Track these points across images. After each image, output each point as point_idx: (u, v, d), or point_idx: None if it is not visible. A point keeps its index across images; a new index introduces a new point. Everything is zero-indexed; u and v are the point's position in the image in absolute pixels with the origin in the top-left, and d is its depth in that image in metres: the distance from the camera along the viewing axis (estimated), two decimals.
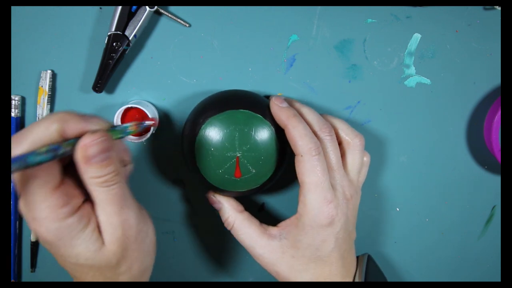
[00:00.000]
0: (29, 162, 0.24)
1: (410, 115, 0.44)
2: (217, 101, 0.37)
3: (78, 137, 0.27)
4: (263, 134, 0.35)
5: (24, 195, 0.28)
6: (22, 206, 0.29)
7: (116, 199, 0.29)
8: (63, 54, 0.39)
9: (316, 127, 0.36)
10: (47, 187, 0.27)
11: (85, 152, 0.27)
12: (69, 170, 0.29)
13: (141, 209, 0.32)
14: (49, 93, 0.39)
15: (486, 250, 0.49)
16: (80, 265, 0.29)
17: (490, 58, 0.43)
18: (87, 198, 0.30)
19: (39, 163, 0.25)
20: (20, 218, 0.43)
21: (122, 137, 0.30)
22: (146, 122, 0.34)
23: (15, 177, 0.27)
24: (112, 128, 0.29)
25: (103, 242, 0.29)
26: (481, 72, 0.44)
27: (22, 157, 0.24)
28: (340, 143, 0.38)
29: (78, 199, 0.29)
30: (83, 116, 0.28)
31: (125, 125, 0.31)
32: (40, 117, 0.40)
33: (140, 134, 0.39)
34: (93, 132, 0.27)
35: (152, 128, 0.38)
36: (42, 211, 0.27)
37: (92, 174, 0.28)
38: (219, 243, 0.45)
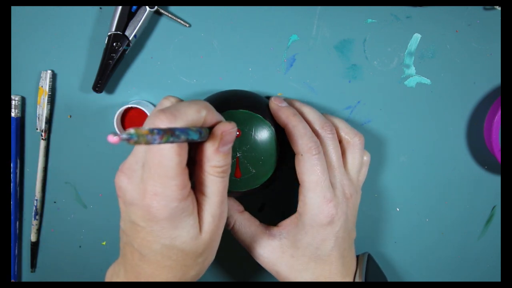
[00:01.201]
0: (189, 136, 0.26)
1: (410, 115, 0.44)
2: (217, 101, 0.37)
3: (209, 128, 0.29)
4: (263, 134, 0.35)
5: (142, 170, 0.29)
6: (131, 182, 0.29)
7: (223, 191, 0.31)
8: (63, 54, 0.39)
9: (318, 126, 0.36)
10: (180, 167, 0.28)
11: (223, 137, 0.29)
12: None
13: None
14: (49, 93, 0.39)
15: (486, 250, 0.49)
16: (172, 247, 0.30)
17: (490, 58, 0.43)
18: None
19: (193, 140, 0.27)
20: (20, 218, 0.43)
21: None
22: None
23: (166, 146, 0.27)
24: None
25: (200, 230, 0.31)
26: (481, 72, 0.44)
27: (186, 130, 0.26)
28: (340, 142, 0.38)
29: (189, 184, 0.30)
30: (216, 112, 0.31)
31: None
32: (40, 117, 0.40)
33: None
34: (228, 123, 0.30)
35: None
36: (168, 188, 0.28)
37: (216, 163, 0.30)
38: (219, 243, 0.45)
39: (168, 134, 0.23)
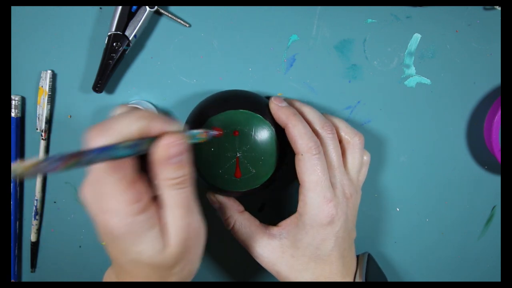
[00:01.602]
0: (114, 155, 0.24)
1: (410, 115, 0.44)
2: (217, 101, 0.37)
3: (155, 137, 0.27)
4: (263, 134, 0.35)
5: (97, 186, 0.27)
6: (91, 197, 0.28)
7: (185, 202, 0.29)
8: (63, 54, 0.39)
9: (318, 126, 0.36)
10: (126, 181, 0.27)
11: (166, 152, 0.27)
12: (140, 165, 0.29)
13: (201, 212, 0.32)
14: (49, 93, 0.39)
15: (486, 250, 0.49)
16: (139, 262, 0.29)
17: (490, 58, 0.43)
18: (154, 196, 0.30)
19: (123, 156, 0.25)
20: (20, 218, 0.43)
21: (192, 143, 0.30)
22: (212, 132, 0.33)
23: (99, 165, 0.27)
24: (186, 132, 0.29)
25: (166, 243, 0.29)
26: (481, 72, 0.44)
27: (109, 148, 0.24)
28: (340, 142, 0.38)
29: (147, 197, 0.29)
30: (164, 117, 0.28)
31: (196, 131, 0.31)
32: (40, 117, 0.40)
33: None
34: (174, 133, 0.28)
35: None
36: (119, 204, 0.27)
37: (167, 176, 0.28)
38: (219, 243, 0.45)
39: (74, 160, 0.22)
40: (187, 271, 0.32)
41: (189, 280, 0.33)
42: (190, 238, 0.30)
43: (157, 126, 0.27)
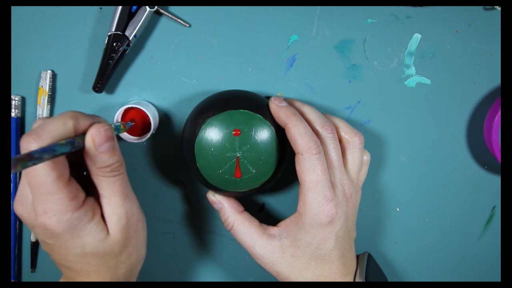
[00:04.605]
0: (56, 152, 0.26)
1: (410, 115, 0.44)
2: (217, 101, 0.37)
3: (85, 133, 0.30)
4: (263, 134, 0.35)
5: (35, 190, 0.29)
6: (25, 208, 0.31)
7: (121, 189, 0.31)
8: (63, 54, 0.39)
9: (318, 125, 0.36)
10: (60, 181, 0.29)
11: (94, 139, 0.29)
12: (71, 169, 0.31)
13: (137, 200, 0.34)
14: (49, 93, 0.39)
15: (486, 250, 0.49)
16: (85, 255, 0.31)
17: (490, 58, 0.43)
18: (88, 194, 0.32)
19: (62, 154, 0.27)
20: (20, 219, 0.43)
21: (116, 133, 0.33)
22: (130, 123, 0.36)
23: (29, 171, 0.28)
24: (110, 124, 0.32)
25: (108, 232, 0.31)
26: (481, 72, 0.44)
27: (51, 147, 0.26)
28: (339, 142, 0.38)
29: (82, 194, 0.31)
30: (90, 115, 0.31)
31: (117, 123, 0.35)
32: (40, 117, 0.40)
33: (140, 134, 0.39)
34: (99, 123, 0.30)
35: (152, 128, 0.38)
36: (55, 203, 0.29)
37: (100, 164, 0.30)
38: (219, 243, 0.45)
39: (24, 161, 0.24)
40: (134, 258, 0.34)
41: (138, 269, 0.35)
42: (131, 224, 0.32)
43: (84, 122, 0.30)
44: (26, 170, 0.28)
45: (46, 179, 0.28)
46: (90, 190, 0.32)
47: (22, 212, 0.31)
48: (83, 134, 0.30)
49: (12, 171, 0.23)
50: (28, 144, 0.27)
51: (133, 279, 0.36)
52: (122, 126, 0.35)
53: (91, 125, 0.30)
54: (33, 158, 0.25)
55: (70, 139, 0.28)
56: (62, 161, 0.29)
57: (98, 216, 0.31)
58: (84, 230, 0.30)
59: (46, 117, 0.35)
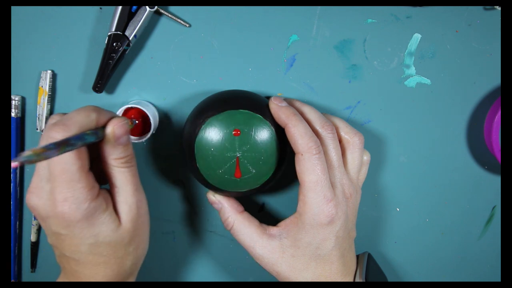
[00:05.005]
0: (86, 140, 0.29)
1: (410, 115, 0.44)
2: (217, 101, 0.37)
3: (104, 126, 0.32)
4: (263, 134, 0.35)
5: (58, 177, 0.30)
6: (41, 198, 0.32)
7: (134, 179, 0.34)
8: (63, 54, 0.39)
9: (318, 125, 0.36)
10: (83, 170, 0.30)
11: (115, 131, 0.32)
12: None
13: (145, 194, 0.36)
14: (49, 93, 0.39)
15: (486, 250, 0.49)
16: (98, 244, 0.32)
17: (490, 58, 0.43)
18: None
19: (89, 143, 0.30)
20: (20, 218, 0.43)
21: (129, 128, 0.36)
22: (134, 121, 0.37)
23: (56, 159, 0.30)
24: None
25: (120, 222, 0.33)
26: (481, 72, 0.44)
27: (81, 135, 0.29)
28: (339, 142, 0.38)
29: (97, 185, 0.33)
30: (108, 110, 0.34)
31: (127, 120, 0.36)
32: (40, 117, 0.40)
33: (140, 134, 0.39)
34: (118, 117, 0.33)
35: (152, 128, 0.38)
36: (77, 191, 0.30)
37: (117, 155, 0.32)
38: (219, 243, 0.45)
39: (64, 145, 0.26)
40: (141, 250, 0.36)
41: (141, 262, 0.37)
42: (140, 215, 0.34)
43: (105, 116, 0.32)
44: (53, 159, 0.29)
45: (71, 167, 0.30)
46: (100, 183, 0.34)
47: (38, 203, 0.32)
48: (103, 127, 0.32)
49: (56, 154, 0.25)
50: (56, 134, 0.29)
51: (135, 273, 0.37)
52: (130, 123, 0.36)
53: (109, 119, 0.32)
54: (70, 144, 0.27)
55: (94, 130, 0.31)
56: (85, 151, 0.31)
57: (111, 207, 0.33)
58: (99, 219, 0.32)
59: (63, 113, 0.36)
